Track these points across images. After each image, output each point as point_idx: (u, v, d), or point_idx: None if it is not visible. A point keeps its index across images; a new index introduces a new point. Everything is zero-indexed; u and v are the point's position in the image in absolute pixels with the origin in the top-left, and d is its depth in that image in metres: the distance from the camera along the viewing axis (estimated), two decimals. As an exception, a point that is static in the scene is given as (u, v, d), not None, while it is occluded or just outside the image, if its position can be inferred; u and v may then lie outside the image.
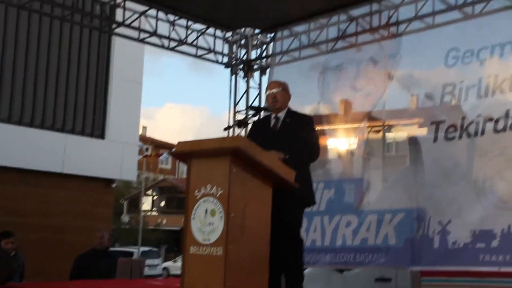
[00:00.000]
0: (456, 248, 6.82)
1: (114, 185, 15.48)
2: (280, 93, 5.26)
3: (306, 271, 8.52)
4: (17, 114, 13.10)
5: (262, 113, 6.06)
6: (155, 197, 46.85)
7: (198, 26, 9.50)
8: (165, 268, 31.29)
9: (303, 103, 7.98)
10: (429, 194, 7.21)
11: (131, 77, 14.92)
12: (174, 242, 38.36)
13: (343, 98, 8.70)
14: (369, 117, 8.36)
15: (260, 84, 10.07)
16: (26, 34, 13.31)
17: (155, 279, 15.03)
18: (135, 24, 9.00)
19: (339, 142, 8.76)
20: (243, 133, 7.98)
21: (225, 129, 6.38)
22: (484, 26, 7.23)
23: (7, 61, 13.02)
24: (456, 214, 6.91)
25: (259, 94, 9.99)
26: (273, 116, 5.31)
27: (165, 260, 33.83)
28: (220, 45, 9.88)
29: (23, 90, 13.22)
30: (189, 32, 9.42)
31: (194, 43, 9.55)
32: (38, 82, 13.47)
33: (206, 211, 4.28)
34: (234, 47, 10.04)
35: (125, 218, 38.53)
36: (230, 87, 10.05)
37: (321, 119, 8.51)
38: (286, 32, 9.40)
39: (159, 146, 41.96)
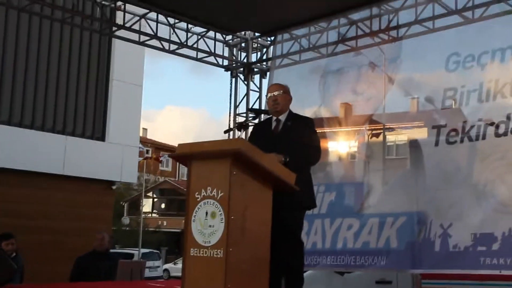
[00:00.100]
0: (457, 251, 6.82)
1: (114, 187, 15.48)
2: (281, 96, 5.27)
3: (306, 274, 8.53)
4: (18, 116, 13.11)
5: (262, 116, 6.07)
6: (155, 199, 46.83)
7: (199, 29, 9.51)
8: (165, 270, 31.31)
9: (303, 106, 7.99)
10: (430, 197, 7.21)
11: (132, 79, 14.93)
12: (175, 244, 38.35)
13: (344, 102, 8.71)
14: (370, 120, 8.37)
15: (260, 87, 10.09)
16: (26, 36, 13.33)
17: (156, 281, 15.03)
18: (136, 26, 9.01)
19: (340, 145, 8.76)
20: (243, 136, 7.98)
21: (226, 131, 6.38)
22: (485, 30, 7.25)
23: (8, 63, 13.03)
24: (457, 217, 6.91)
25: (259, 97, 10.01)
26: (274, 118, 5.31)
27: (166, 262, 33.86)
28: (220, 48, 9.91)
29: (23, 92, 13.24)
30: (189, 35, 9.43)
31: (195, 46, 9.56)
32: (39, 84, 13.48)
33: (206, 213, 4.29)
34: (235, 50, 10.06)
35: (126, 220, 38.52)
36: (231, 90, 10.07)
37: (322, 122, 8.52)
38: (286, 36, 9.41)
39: (159, 148, 41.97)
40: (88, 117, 14.29)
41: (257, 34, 9.85)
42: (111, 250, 10.53)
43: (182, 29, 9.37)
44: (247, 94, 10.01)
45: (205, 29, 9.52)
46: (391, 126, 8.49)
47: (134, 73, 15.09)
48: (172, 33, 9.29)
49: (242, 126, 5.42)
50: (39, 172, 12.96)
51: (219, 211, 4.21)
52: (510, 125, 6.72)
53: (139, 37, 9.22)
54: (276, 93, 5.27)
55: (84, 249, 8.73)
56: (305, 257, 5.31)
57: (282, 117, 5.27)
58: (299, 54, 9.27)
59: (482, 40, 7.25)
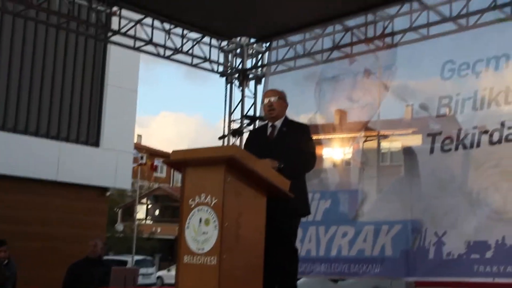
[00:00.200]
0: (451, 259, 6.82)
1: (108, 194, 15.46)
2: (276, 102, 5.26)
3: (300, 281, 8.52)
4: (12, 121, 13.09)
5: (257, 122, 6.06)
6: (149, 206, 46.72)
7: (194, 35, 9.51)
8: (159, 277, 31.20)
9: (298, 113, 7.99)
10: (425, 205, 7.22)
11: (127, 85, 14.93)
12: (169, 251, 38.25)
13: (339, 108, 8.72)
14: (365, 127, 8.38)
15: (255, 93, 10.08)
16: (21, 41, 13.32)
17: (149, 288, 14.98)
18: (131, 32, 9.00)
19: (335, 151, 8.77)
20: (238, 142, 7.98)
21: (220, 138, 6.37)
22: (479, 38, 7.28)
23: (2, 68, 13.02)
24: (452, 225, 6.91)
25: (254, 103, 10.00)
26: (269, 124, 5.31)
27: (159, 269, 33.75)
28: (215, 54, 9.90)
29: (17, 97, 13.22)
30: (184, 40, 9.43)
31: (190, 52, 9.55)
32: (33, 90, 13.46)
33: (200, 220, 4.27)
34: (230, 56, 10.06)
35: (120, 226, 38.39)
36: (226, 96, 10.07)
37: (317, 128, 8.52)
38: (281, 42, 9.42)
39: (154, 154, 41.89)
40: (82, 122, 14.28)
41: (252, 40, 9.85)
42: (105, 257, 10.48)
43: (177, 35, 9.37)
44: (242, 100, 10.00)
45: (200, 35, 9.52)
46: (385, 133, 8.50)
47: (129, 79, 15.10)
48: (168, 39, 9.29)
49: (237, 133, 5.43)
50: (33, 178, 12.95)
51: (213, 218, 4.19)
52: (504, 133, 6.74)
53: (134, 43, 9.22)
54: (272, 99, 5.26)
55: (78, 256, 8.69)
56: (299, 264, 5.29)
57: (278, 123, 5.26)
58: (294, 61, 9.27)
59: (477, 48, 7.28)
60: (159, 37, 9.19)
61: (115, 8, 8.74)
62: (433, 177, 7.30)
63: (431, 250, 6.99)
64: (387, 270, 7.39)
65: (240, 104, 10.00)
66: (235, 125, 9.79)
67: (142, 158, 27.11)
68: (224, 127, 9.98)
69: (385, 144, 9.21)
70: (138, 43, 9.23)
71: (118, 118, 14.65)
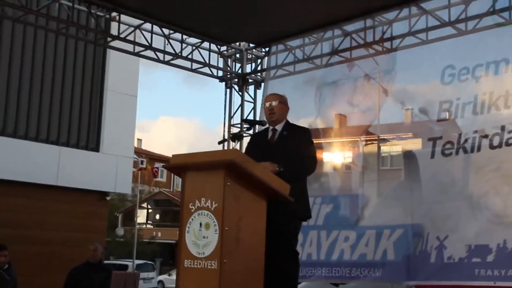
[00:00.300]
0: (452, 262, 6.82)
1: (108, 198, 15.46)
2: (277, 106, 5.28)
3: (301, 285, 8.53)
4: (12, 126, 13.09)
5: (257, 127, 6.07)
6: (150, 210, 46.70)
7: (193, 40, 9.52)
8: (160, 282, 31.18)
9: (298, 117, 7.99)
10: (427, 210, 7.22)
11: (126, 90, 14.93)
12: (169, 255, 38.22)
13: (339, 113, 8.75)
14: (366, 132, 8.40)
15: (254, 98, 10.11)
16: (21, 47, 13.33)
17: (149, 293, 14.97)
18: (130, 37, 9.01)
19: (335, 156, 8.78)
20: (237, 146, 7.98)
21: (220, 142, 6.39)
22: (479, 43, 7.31)
23: (2, 74, 13.03)
24: (453, 229, 6.92)
25: (254, 107, 10.03)
26: (270, 128, 5.33)
27: (160, 273, 33.73)
28: (215, 59, 9.92)
29: (17, 102, 13.23)
30: (184, 45, 9.43)
31: (189, 56, 9.57)
32: (33, 95, 13.47)
33: (200, 224, 4.27)
34: (229, 61, 10.08)
35: (120, 231, 38.35)
36: (225, 100, 10.09)
37: (318, 133, 8.53)
38: (280, 47, 9.43)
39: (154, 159, 41.88)
40: (82, 127, 14.28)
41: (251, 45, 9.87)
42: (106, 261, 10.48)
43: (176, 40, 9.38)
44: (241, 105, 10.02)
45: (199, 40, 9.53)
46: (385, 137, 8.52)
47: (129, 84, 15.10)
48: (167, 44, 9.29)
49: (236, 137, 5.42)
50: (33, 182, 12.94)
51: (213, 222, 4.20)
52: (505, 137, 6.75)
53: (134, 48, 9.22)
54: (272, 103, 5.29)
55: (78, 260, 8.69)
56: (300, 268, 5.29)
57: (279, 127, 5.28)
58: (293, 65, 9.28)
59: (477, 52, 7.30)
60: (158, 42, 9.21)
61: (114, 14, 8.75)
62: (434, 181, 7.31)
63: (432, 254, 6.99)
64: (388, 274, 7.39)
65: (239, 108, 10.02)
66: (234, 130, 9.81)
67: (142, 162, 27.10)
68: (223, 131, 9.99)
69: (385, 148, 9.22)
70: (138, 48, 9.24)
71: (118, 123, 14.65)
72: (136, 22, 8.97)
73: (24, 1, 8.04)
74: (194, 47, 9.56)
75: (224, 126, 10.00)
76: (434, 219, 7.13)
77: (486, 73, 7.11)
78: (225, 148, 7.76)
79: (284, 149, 5.08)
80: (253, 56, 10.06)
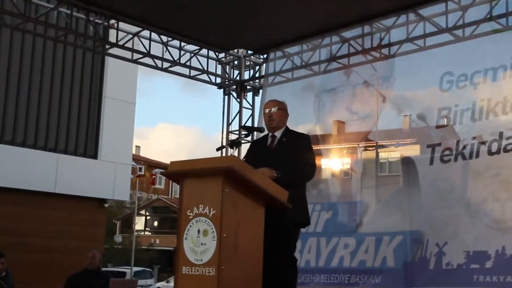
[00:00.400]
0: (450, 269, 6.82)
1: (107, 205, 15.44)
2: (276, 112, 5.28)
3: (299, 292, 8.48)
4: (10, 134, 13.09)
5: (255, 134, 6.08)
6: (148, 217, 46.64)
7: (191, 47, 9.53)
8: (158, 289, 31.07)
9: (296, 124, 8.00)
10: (426, 216, 7.22)
11: (124, 97, 14.95)
12: (167, 262, 38.14)
13: (338, 120, 8.76)
14: (365, 138, 8.40)
15: (253, 105, 10.11)
16: (19, 54, 13.34)
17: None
18: (129, 44, 9.03)
19: (334, 162, 8.78)
20: (236, 153, 7.97)
21: (218, 149, 6.38)
22: (476, 49, 7.33)
23: (0, 81, 13.03)
24: (452, 235, 6.92)
25: (252, 114, 10.03)
26: (270, 135, 5.33)
27: (158, 280, 33.62)
28: (213, 66, 9.92)
29: (15, 110, 13.23)
30: (182, 53, 9.44)
31: (187, 63, 9.58)
32: (31, 102, 13.48)
33: (198, 231, 4.26)
34: (227, 67, 10.09)
35: (118, 238, 38.31)
36: (223, 107, 10.09)
37: (317, 140, 8.54)
38: (278, 53, 9.44)
39: (152, 166, 41.87)
40: (80, 134, 14.28)
41: (249, 51, 9.88)
42: (104, 268, 10.46)
43: (175, 47, 9.39)
44: (239, 112, 10.03)
45: (198, 47, 9.54)
46: (384, 144, 8.52)
47: (127, 91, 15.11)
48: (165, 51, 9.31)
49: (234, 144, 5.41)
50: (31, 190, 12.93)
51: (211, 229, 4.19)
52: (503, 143, 6.77)
53: (132, 55, 9.24)
54: (272, 109, 5.29)
55: (76, 267, 8.68)
56: (298, 275, 5.28)
57: (278, 133, 5.28)
58: (291, 72, 9.30)
59: (474, 59, 7.32)
60: (156, 49, 9.23)
61: (112, 21, 8.77)
62: (433, 188, 7.32)
63: (431, 261, 6.98)
64: (387, 281, 7.39)
65: (238, 115, 10.03)
66: (233, 136, 9.80)
67: (140, 169, 27.11)
68: (222, 138, 9.99)
69: (383, 154, 9.23)
70: (136, 56, 9.25)
71: (116, 130, 14.65)
72: (135, 29, 8.98)
73: (22, 8, 8.05)
74: (192, 54, 9.57)
75: (222, 133, 10.01)
76: (433, 225, 7.13)
77: (484, 79, 7.13)
78: (223, 154, 7.76)
79: (283, 156, 5.08)
80: (251, 63, 10.07)
